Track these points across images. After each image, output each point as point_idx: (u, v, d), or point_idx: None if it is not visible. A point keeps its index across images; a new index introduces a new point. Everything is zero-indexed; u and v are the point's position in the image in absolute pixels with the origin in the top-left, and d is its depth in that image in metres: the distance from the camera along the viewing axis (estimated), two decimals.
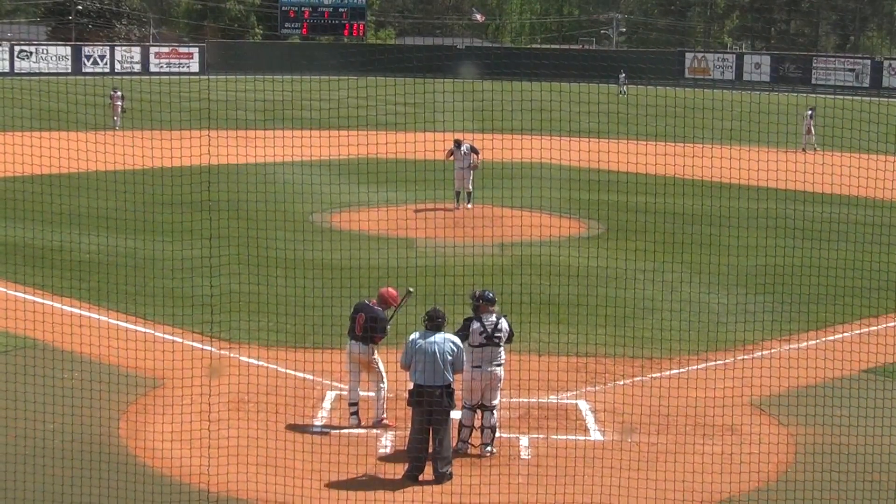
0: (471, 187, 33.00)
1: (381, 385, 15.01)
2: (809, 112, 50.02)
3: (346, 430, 14.93)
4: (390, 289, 15.34)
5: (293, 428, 14.88)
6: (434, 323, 13.74)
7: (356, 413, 15.17)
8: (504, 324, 14.37)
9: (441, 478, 13.35)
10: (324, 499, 12.63)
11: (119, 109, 52.35)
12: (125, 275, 21.56)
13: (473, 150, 32.66)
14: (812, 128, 49.71)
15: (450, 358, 13.48)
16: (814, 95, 62.57)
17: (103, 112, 47.96)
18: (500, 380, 14.35)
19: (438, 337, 13.60)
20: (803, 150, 48.50)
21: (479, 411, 14.26)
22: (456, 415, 14.06)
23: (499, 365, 14.25)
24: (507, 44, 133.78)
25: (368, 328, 14.93)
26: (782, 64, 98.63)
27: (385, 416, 15.06)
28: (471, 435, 14.29)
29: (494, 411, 14.28)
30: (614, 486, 12.90)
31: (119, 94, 52.94)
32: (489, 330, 14.16)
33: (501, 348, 14.27)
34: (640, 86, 76.94)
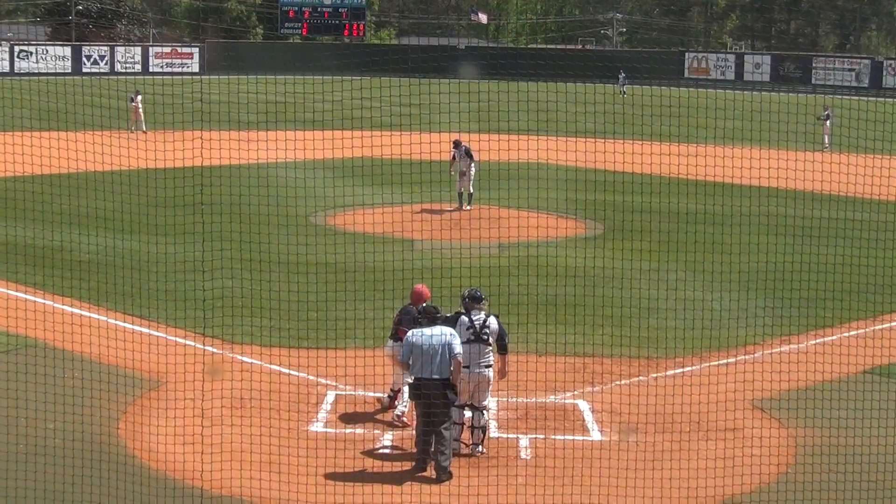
0: (471, 189, 33.01)
1: (409, 380, 14.97)
2: (826, 114, 49.86)
3: (345, 430, 14.92)
4: (419, 286, 15.34)
5: (293, 428, 14.86)
6: (429, 318, 13.90)
7: (391, 398, 15.37)
8: (493, 322, 14.34)
9: (441, 473, 13.37)
10: (323, 499, 12.61)
11: (142, 113, 52.07)
12: (124, 275, 21.54)
13: (468, 153, 32.61)
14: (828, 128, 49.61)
15: (446, 348, 13.52)
16: (814, 95, 62.60)
17: (118, 115, 47.77)
18: (490, 381, 14.32)
19: (435, 330, 13.71)
20: (823, 150, 48.02)
21: (469, 411, 14.25)
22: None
23: (488, 366, 14.21)
24: (508, 44, 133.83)
25: (395, 323, 15.10)
26: (782, 64, 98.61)
27: (405, 413, 15.02)
28: (461, 433, 14.27)
29: (485, 412, 14.28)
30: (614, 486, 12.89)
31: (140, 97, 52.63)
32: (476, 326, 14.14)
33: (490, 348, 14.23)
34: (640, 86, 76.98)
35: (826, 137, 49.33)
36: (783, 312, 20.36)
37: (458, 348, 13.66)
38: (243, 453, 13.71)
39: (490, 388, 14.40)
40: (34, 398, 14.33)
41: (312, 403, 15.85)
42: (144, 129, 50.70)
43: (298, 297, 18.65)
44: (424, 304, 14.48)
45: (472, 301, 14.34)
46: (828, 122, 49.63)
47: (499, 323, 14.43)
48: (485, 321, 14.24)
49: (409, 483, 13.23)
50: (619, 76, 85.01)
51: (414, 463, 13.73)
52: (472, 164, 32.75)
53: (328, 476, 13.23)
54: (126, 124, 50.08)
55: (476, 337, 14.12)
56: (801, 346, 18.73)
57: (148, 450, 14.13)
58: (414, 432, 14.00)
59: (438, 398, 13.52)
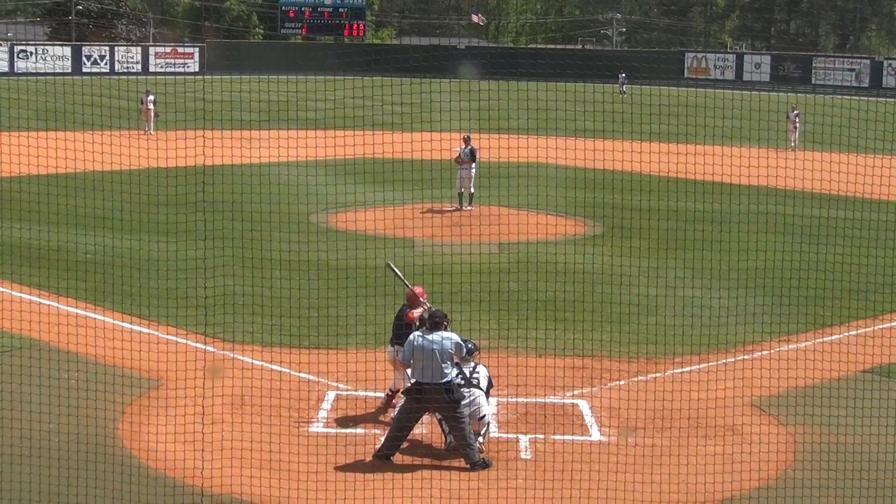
0: (472, 188, 32.99)
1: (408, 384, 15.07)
2: (796, 113, 50.27)
3: (345, 430, 14.93)
4: (415, 287, 15.45)
5: (293, 428, 14.86)
6: (433, 323, 13.96)
7: (389, 396, 15.46)
8: (483, 370, 14.60)
9: (475, 466, 13.56)
10: (323, 499, 12.61)
11: (152, 114, 51.76)
12: (124, 275, 21.54)
13: (472, 154, 32.65)
14: (795, 125, 49.98)
15: (450, 353, 13.66)
16: (814, 95, 62.67)
17: (119, 115, 47.75)
18: (488, 424, 14.41)
19: (437, 336, 13.78)
20: (793, 148, 48.53)
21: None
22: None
23: (481, 418, 14.20)
24: (508, 44, 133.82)
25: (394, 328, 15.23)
26: (782, 64, 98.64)
27: None
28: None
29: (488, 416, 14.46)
30: (614, 487, 12.88)
31: (151, 97, 52.27)
32: (467, 373, 14.32)
33: (480, 392, 14.30)
34: (640, 86, 76.98)
35: (793, 135, 49.61)
36: (783, 311, 20.37)
37: (462, 353, 13.83)
38: (243, 453, 13.71)
39: (489, 426, 14.48)
40: (34, 398, 14.33)
41: (312, 403, 15.86)
42: (152, 130, 50.53)
43: (299, 297, 18.66)
44: (432, 309, 14.59)
45: (466, 353, 14.50)
46: (797, 120, 50.00)
47: (488, 373, 14.68)
48: (474, 368, 14.48)
49: (410, 483, 13.23)
50: (620, 76, 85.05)
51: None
52: (474, 165, 32.77)
53: (328, 476, 13.22)
54: (136, 124, 49.99)
55: (466, 382, 14.23)
56: (800, 346, 18.73)
57: (147, 449, 14.13)
58: (395, 425, 14.08)
59: (441, 402, 13.62)
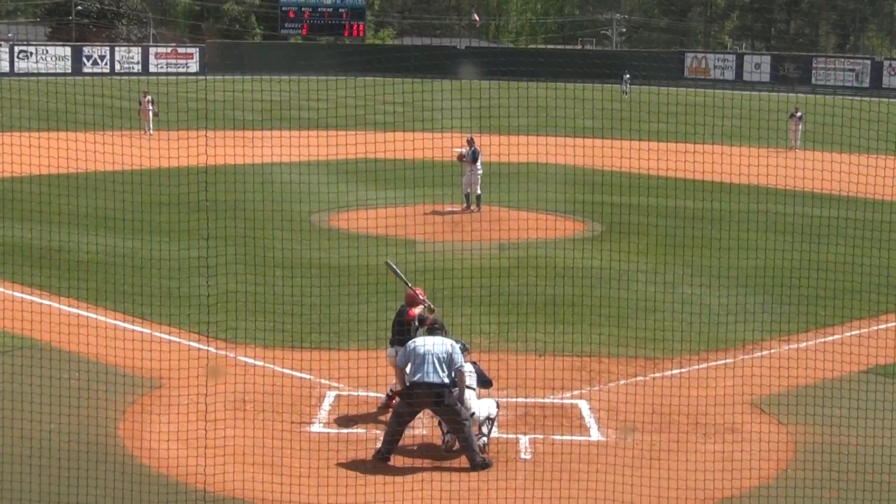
0: (479, 190, 32.77)
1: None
2: (800, 115, 50.31)
3: (345, 430, 14.94)
4: (415, 289, 15.55)
5: (293, 428, 14.87)
6: (431, 329, 14.22)
7: (389, 397, 15.53)
8: (469, 367, 14.56)
9: (476, 467, 13.60)
10: (323, 499, 12.62)
11: (150, 114, 51.68)
12: (125, 275, 21.55)
13: (475, 157, 32.52)
14: (797, 126, 50.02)
15: (444, 357, 13.76)
16: (814, 95, 62.71)
17: (120, 115, 47.68)
18: (491, 421, 14.42)
19: (436, 340, 13.97)
20: (794, 148, 48.60)
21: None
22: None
23: (471, 415, 14.21)
24: (507, 44, 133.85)
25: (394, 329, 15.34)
26: (782, 64, 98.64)
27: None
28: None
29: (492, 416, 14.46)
30: (613, 486, 12.89)
31: (149, 98, 52.09)
32: None
33: (472, 391, 14.30)
34: (639, 86, 76.96)
35: (795, 135, 49.63)
36: (782, 311, 20.38)
37: (459, 359, 13.88)
38: (244, 452, 13.72)
39: (494, 421, 14.49)
40: (34, 398, 14.33)
41: (313, 404, 15.87)
42: (151, 130, 50.52)
43: (300, 297, 18.66)
44: (432, 307, 14.84)
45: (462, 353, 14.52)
46: (800, 121, 50.05)
47: (479, 369, 14.68)
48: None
49: (410, 483, 13.24)
50: (624, 76, 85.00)
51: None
52: (479, 166, 32.61)
53: (328, 476, 13.23)
54: (137, 124, 49.97)
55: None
56: (800, 345, 18.73)
57: (148, 450, 14.14)
58: (391, 425, 14.11)
59: (434, 403, 13.71)
